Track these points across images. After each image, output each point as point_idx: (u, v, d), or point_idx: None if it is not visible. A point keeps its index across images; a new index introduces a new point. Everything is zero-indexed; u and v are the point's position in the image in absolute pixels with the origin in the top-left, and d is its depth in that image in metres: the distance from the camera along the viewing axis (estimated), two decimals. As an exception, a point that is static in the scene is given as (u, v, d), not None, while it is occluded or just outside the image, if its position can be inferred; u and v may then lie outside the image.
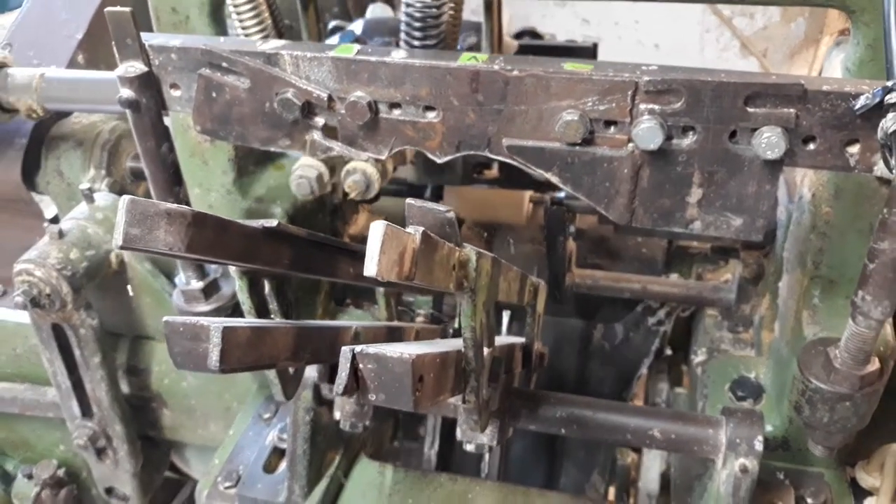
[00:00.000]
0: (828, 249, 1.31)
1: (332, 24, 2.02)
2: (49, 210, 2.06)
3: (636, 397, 2.26)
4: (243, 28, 1.32)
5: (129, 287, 1.85)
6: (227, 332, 0.78)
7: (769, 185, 1.04)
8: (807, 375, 1.18)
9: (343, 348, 0.73)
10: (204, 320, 0.79)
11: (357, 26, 1.73)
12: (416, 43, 1.22)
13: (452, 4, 1.22)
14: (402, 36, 1.23)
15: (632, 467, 2.10)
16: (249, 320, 0.92)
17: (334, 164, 1.30)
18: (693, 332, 1.89)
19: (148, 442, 2.10)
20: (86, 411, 1.89)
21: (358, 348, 0.73)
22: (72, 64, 2.06)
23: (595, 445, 2.17)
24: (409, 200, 0.81)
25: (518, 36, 2.66)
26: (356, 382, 0.73)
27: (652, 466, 1.95)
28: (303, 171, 1.30)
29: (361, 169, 1.25)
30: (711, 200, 1.07)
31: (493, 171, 2.07)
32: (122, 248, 0.73)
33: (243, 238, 0.88)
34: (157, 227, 0.74)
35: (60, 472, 2.07)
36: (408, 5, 1.20)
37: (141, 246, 0.74)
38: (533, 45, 2.40)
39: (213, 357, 0.78)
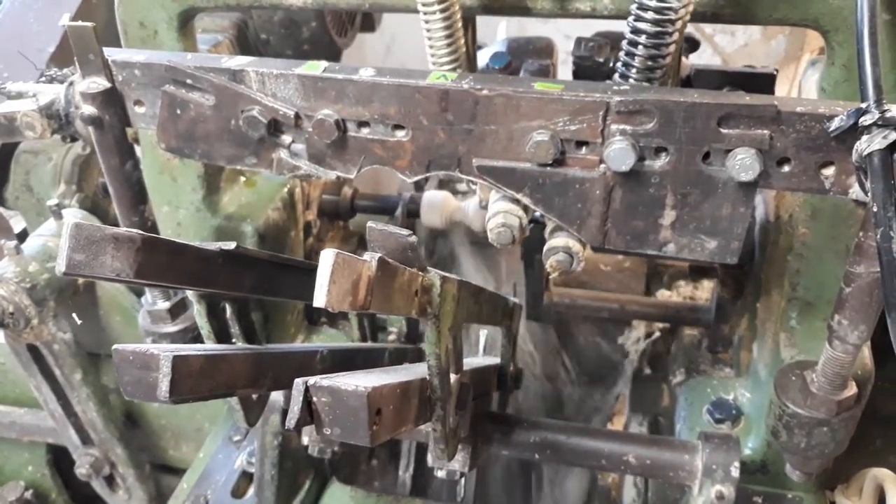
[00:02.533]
0: (805, 271, 1.29)
1: None
2: (18, 226, 2.01)
3: (619, 412, 2.24)
4: (434, 59, 1.16)
5: (73, 318, 1.80)
6: (177, 360, 0.75)
7: (744, 207, 1.02)
8: (783, 400, 1.16)
9: (296, 380, 0.70)
10: (154, 348, 0.76)
11: (501, 46, 1.60)
12: (632, 81, 1.06)
13: (677, 39, 1.04)
14: (620, 68, 1.07)
15: (612, 487, 2.08)
16: (204, 346, 0.89)
17: (525, 206, 1.10)
18: (672, 351, 1.87)
19: (166, 470, 2.05)
20: (85, 439, 1.84)
21: (311, 380, 0.70)
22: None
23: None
24: (369, 224, 0.78)
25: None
26: (310, 416, 0.70)
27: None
28: (505, 218, 1.09)
29: (564, 246, 1.09)
30: (685, 223, 1.05)
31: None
32: (65, 274, 0.70)
33: (199, 261, 0.85)
34: (103, 252, 0.71)
35: (28, 495, 2.03)
36: (634, 32, 1.02)
37: (86, 272, 0.71)
38: (708, 70, 2.14)
39: (163, 387, 0.75)
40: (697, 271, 1.85)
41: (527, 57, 1.53)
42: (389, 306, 0.71)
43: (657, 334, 2.04)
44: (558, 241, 1.09)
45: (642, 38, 1.02)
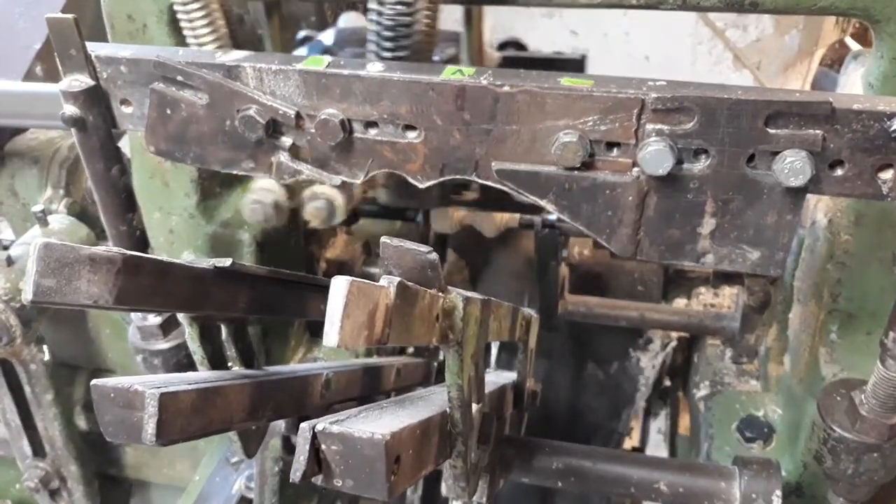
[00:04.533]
0: (846, 281, 1.20)
1: (301, 34, 1.89)
2: (3, 233, 1.92)
3: (635, 425, 2.15)
4: (196, 37, 1.17)
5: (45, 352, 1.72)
6: (165, 398, 0.65)
7: (791, 214, 0.92)
8: (829, 423, 1.07)
9: (302, 425, 0.60)
10: (139, 384, 0.66)
11: (327, 36, 1.59)
12: (385, 54, 1.07)
13: (427, 12, 1.07)
14: (371, 47, 1.08)
15: None
16: (196, 376, 0.79)
17: (294, 189, 1.07)
18: (693, 362, 1.78)
19: (109, 481, 1.96)
20: (38, 451, 1.77)
21: (320, 426, 0.60)
22: (29, 75, 1.92)
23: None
24: (384, 239, 0.69)
25: (501, 47, 2.55)
26: (318, 465, 0.60)
27: None
28: (259, 195, 1.10)
29: (323, 194, 1.04)
30: (726, 232, 0.95)
31: (474, 193, 1.93)
32: (33, 303, 0.60)
33: (190, 281, 0.76)
34: (77, 276, 0.61)
35: (16, 513, 1.94)
36: (378, 13, 1.05)
37: (58, 299, 0.61)
38: (516, 56, 2.28)
39: (149, 429, 0.65)
40: (720, 277, 1.75)
41: (349, 46, 1.50)
42: (408, 336, 0.61)
43: (674, 343, 1.95)
44: (319, 189, 1.03)
45: (384, 16, 1.04)
